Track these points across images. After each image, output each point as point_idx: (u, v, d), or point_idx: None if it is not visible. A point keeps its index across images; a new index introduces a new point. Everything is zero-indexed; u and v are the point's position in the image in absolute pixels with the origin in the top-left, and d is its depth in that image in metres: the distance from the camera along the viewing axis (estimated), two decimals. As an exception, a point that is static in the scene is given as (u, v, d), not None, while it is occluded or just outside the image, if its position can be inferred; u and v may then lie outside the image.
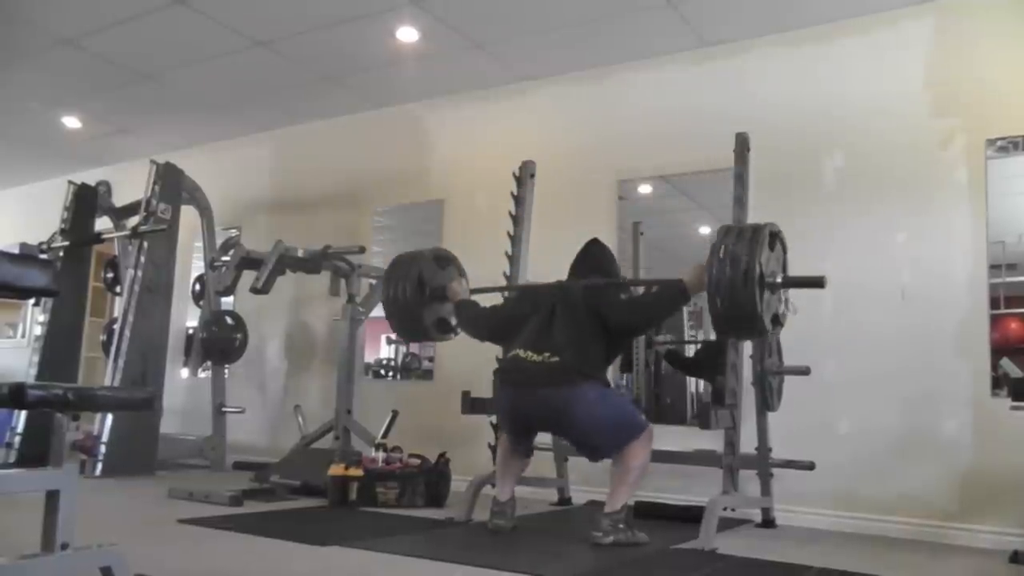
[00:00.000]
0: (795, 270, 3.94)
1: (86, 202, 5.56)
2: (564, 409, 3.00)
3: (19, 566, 1.71)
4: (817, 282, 2.86)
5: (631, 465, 3.02)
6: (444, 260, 3.74)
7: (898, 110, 3.85)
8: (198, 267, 6.09)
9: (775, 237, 2.87)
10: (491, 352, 3.72)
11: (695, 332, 4.57)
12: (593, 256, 3.45)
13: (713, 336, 4.13)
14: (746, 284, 2.68)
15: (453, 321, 3.69)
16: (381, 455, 4.07)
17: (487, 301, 3.63)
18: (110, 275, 6.04)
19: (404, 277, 3.58)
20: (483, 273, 3.85)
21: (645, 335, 4.37)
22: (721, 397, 3.31)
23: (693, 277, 2.97)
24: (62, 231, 5.43)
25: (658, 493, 3.86)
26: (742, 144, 3.53)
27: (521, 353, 3.10)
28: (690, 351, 4.66)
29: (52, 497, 1.76)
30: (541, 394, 3.02)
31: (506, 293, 3.79)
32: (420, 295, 3.57)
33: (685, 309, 4.45)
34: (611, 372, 3.59)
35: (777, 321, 2.87)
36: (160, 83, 5.30)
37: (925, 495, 3.52)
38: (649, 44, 4.47)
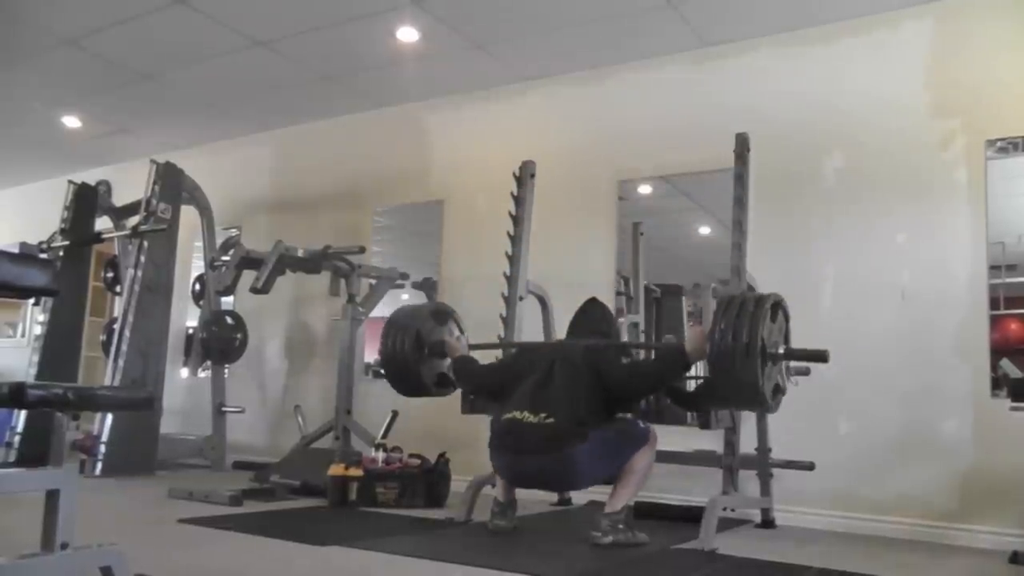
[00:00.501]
0: (794, 270, 3.96)
1: (86, 202, 5.55)
2: (566, 472, 3.01)
3: (19, 565, 1.72)
4: (820, 356, 2.84)
5: (635, 468, 3.02)
6: (442, 315, 3.78)
7: (898, 111, 3.85)
8: (198, 267, 6.09)
9: (777, 307, 2.87)
10: (490, 352, 3.73)
11: (692, 306, 4.55)
12: (592, 316, 3.47)
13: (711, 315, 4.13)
14: (748, 355, 2.67)
15: (452, 377, 3.69)
16: (381, 455, 4.07)
17: (486, 357, 3.66)
18: (110, 275, 6.04)
19: (402, 333, 3.61)
20: (483, 273, 3.86)
21: None
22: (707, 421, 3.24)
23: (695, 344, 2.96)
24: (62, 231, 5.43)
25: (658, 493, 3.86)
26: (742, 144, 3.53)
27: (517, 415, 3.04)
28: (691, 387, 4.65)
29: (52, 497, 1.76)
30: (540, 463, 2.98)
31: (503, 351, 3.76)
32: (419, 352, 3.60)
33: (685, 308, 4.45)
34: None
35: (778, 391, 2.85)
36: (160, 83, 5.30)
37: (925, 495, 3.52)
38: (649, 44, 4.47)
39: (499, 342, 3.73)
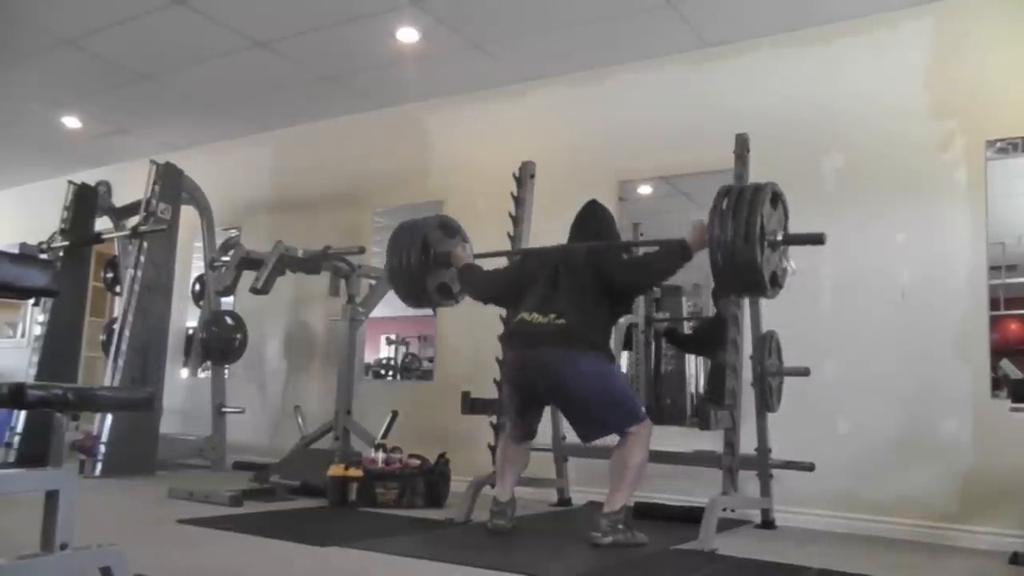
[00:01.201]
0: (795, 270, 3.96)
1: (86, 202, 5.56)
2: (567, 373, 3.03)
3: (18, 566, 1.71)
4: (817, 239, 2.87)
5: (629, 463, 3.02)
6: (450, 228, 3.74)
7: (898, 111, 3.85)
8: (198, 267, 6.09)
9: (777, 197, 2.88)
10: (492, 353, 3.73)
11: (694, 306, 4.56)
12: (593, 218, 3.46)
13: (711, 313, 4.14)
14: (747, 240, 2.69)
15: (455, 287, 3.68)
16: (381, 455, 4.07)
17: (491, 268, 3.65)
18: (110, 275, 6.04)
19: (408, 244, 3.58)
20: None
21: (645, 315, 4.36)
22: (722, 371, 3.30)
23: (695, 235, 2.99)
24: (62, 231, 5.43)
25: (658, 494, 3.86)
26: (742, 145, 3.53)
27: (527, 316, 3.14)
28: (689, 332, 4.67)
29: (52, 497, 1.76)
30: (546, 357, 3.05)
31: (509, 259, 3.77)
32: (424, 261, 3.56)
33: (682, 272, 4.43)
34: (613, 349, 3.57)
35: (776, 281, 2.87)
36: (160, 83, 5.30)
37: (925, 496, 3.52)
38: (649, 45, 4.47)
39: (503, 250, 3.70)
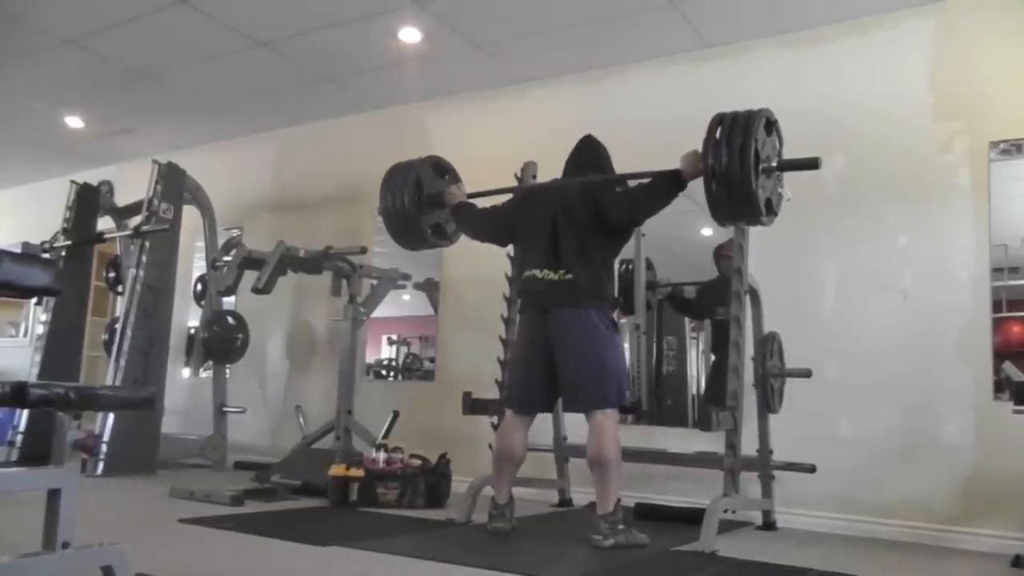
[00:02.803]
0: (796, 271, 3.96)
1: (88, 202, 5.56)
2: (571, 324, 3.09)
3: (20, 565, 1.72)
4: (812, 163, 2.84)
5: (605, 458, 3.00)
6: (441, 168, 3.70)
7: (900, 112, 3.85)
8: (200, 267, 6.09)
9: (772, 124, 2.86)
10: (493, 352, 3.73)
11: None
12: (587, 152, 3.44)
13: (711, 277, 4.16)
14: (742, 166, 2.68)
15: (450, 228, 3.65)
16: (382, 455, 4.07)
17: (485, 207, 3.61)
18: (112, 274, 6.04)
19: (401, 184, 3.54)
20: (485, 274, 3.85)
21: (648, 279, 4.36)
22: (725, 333, 3.29)
23: (689, 164, 2.97)
24: (64, 230, 5.44)
25: (659, 495, 3.86)
26: (744, 145, 3.52)
27: (538, 273, 3.17)
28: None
29: (53, 496, 1.76)
30: (556, 312, 3.12)
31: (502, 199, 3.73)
32: (418, 201, 3.53)
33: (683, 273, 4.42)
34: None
35: (771, 207, 2.85)
36: (162, 83, 5.30)
37: (926, 498, 3.52)
38: (651, 45, 4.47)
39: (497, 189, 3.66)
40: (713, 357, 4.37)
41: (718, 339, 3.39)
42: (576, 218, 3.19)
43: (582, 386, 3.10)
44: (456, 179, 3.70)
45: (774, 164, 2.83)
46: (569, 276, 3.10)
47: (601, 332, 3.10)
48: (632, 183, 3.24)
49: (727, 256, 3.65)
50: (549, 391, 3.25)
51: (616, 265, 3.45)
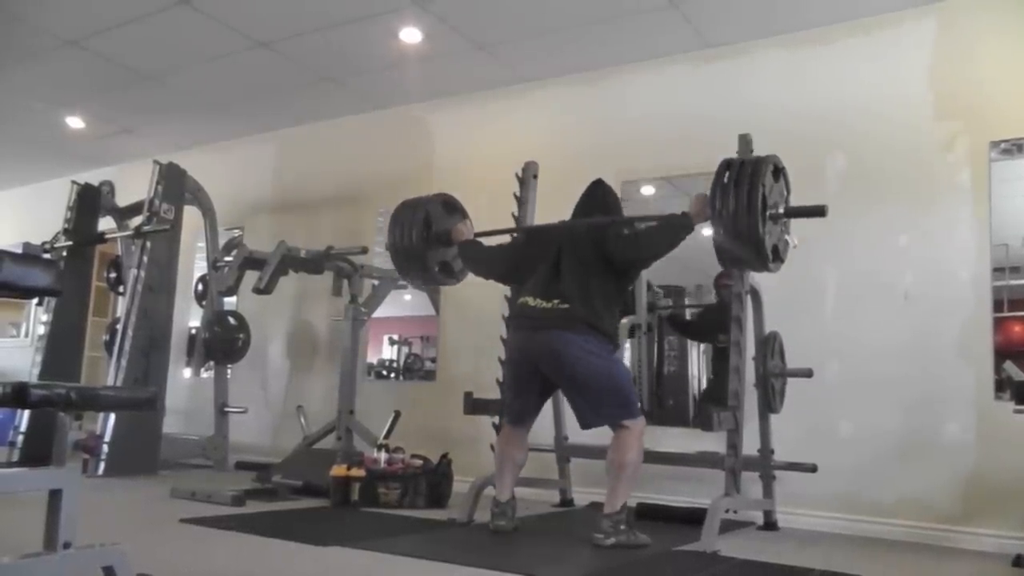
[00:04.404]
0: (796, 271, 3.94)
1: (89, 202, 5.56)
2: (566, 351, 3.03)
3: (21, 565, 1.72)
4: (819, 211, 2.85)
5: (624, 462, 3.01)
6: (451, 206, 3.71)
7: (901, 112, 3.85)
8: (201, 267, 6.09)
9: (779, 170, 2.87)
10: (494, 352, 3.72)
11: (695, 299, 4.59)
12: (597, 197, 3.44)
13: (712, 302, 4.15)
14: (749, 213, 2.68)
15: (457, 265, 3.66)
16: (383, 455, 4.07)
17: (492, 245, 3.63)
18: (113, 275, 6.05)
19: (410, 220, 3.55)
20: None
21: (649, 301, 4.36)
22: (726, 359, 3.28)
23: (697, 207, 2.97)
24: (65, 231, 5.44)
25: (660, 495, 3.86)
26: (745, 145, 3.52)
27: (531, 301, 3.13)
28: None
29: (55, 496, 1.77)
30: (548, 336, 3.05)
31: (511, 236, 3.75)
32: (425, 238, 3.54)
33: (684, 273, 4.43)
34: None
35: (778, 253, 2.86)
36: (163, 83, 5.31)
37: (928, 498, 3.51)
38: (651, 46, 4.47)
39: (506, 228, 3.68)
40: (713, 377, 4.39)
41: (719, 363, 3.40)
42: (581, 256, 3.17)
43: (598, 404, 3.06)
44: (465, 216, 3.72)
45: (781, 211, 2.85)
46: (564, 306, 3.05)
47: (600, 354, 3.06)
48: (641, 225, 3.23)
49: (727, 285, 3.66)
50: (541, 398, 3.31)
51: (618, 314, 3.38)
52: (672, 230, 3.08)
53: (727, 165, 2.83)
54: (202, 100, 5.60)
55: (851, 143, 3.95)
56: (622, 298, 3.38)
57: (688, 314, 4.69)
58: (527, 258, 3.36)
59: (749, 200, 2.69)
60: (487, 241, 3.61)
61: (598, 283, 3.12)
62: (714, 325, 3.65)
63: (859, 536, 3.54)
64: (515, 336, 3.26)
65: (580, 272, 3.13)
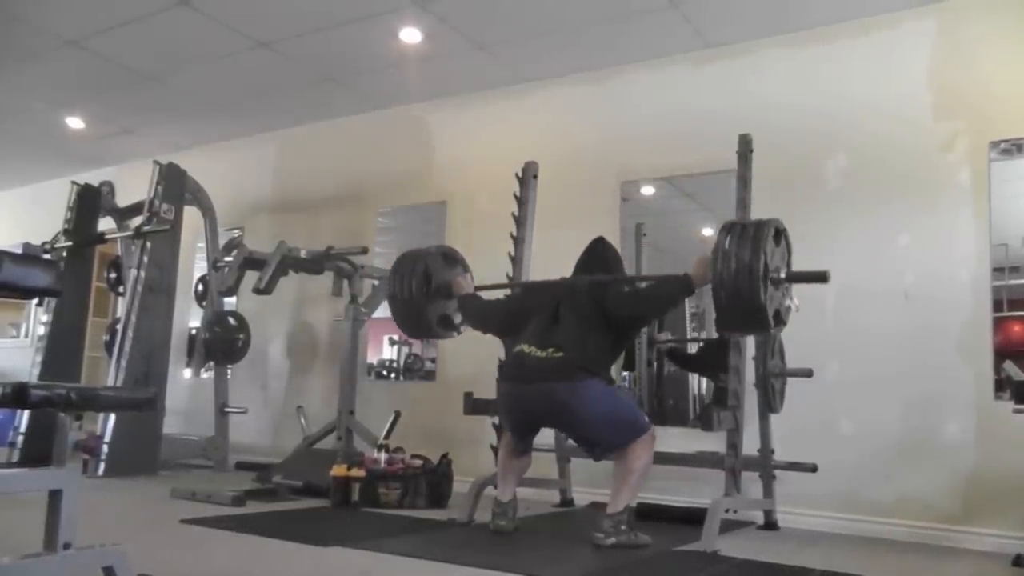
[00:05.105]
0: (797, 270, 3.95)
1: (89, 202, 5.56)
2: (566, 403, 2.99)
3: (21, 565, 1.72)
4: (821, 277, 2.86)
5: (633, 466, 3.02)
6: (451, 258, 3.74)
7: (901, 112, 3.85)
8: (201, 267, 6.09)
9: (780, 233, 2.87)
10: (494, 352, 3.72)
11: (697, 332, 4.56)
12: (598, 254, 3.45)
13: (715, 335, 4.13)
14: (751, 278, 2.68)
15: (457, 319, 3.67)
16: (383, 456, 4.07)
17: (492, 299, 3.64)
18: (113, 275, 6.05)
19: (410, 272, 3.56)
20: (486, 274, 3.85)
21: (648, 334, 4.36)
22: (724, 395, 3.31)
23: (698, 270, 2.97)
24: (65, 231, 5.44)
25: (660, 495, 3.86)
26: (745, 145, 3.53)
27: (525, 349, 3.09)
28: (692, 349, 4.66)
29: (55, 497, 1.77)
30: (543, 388, 3.00)
31: (511, 290, 3.78)
32: (425, 291, 3.55)
33: (688, 308, 4.45)
34: (614, 371, 3.58)
35: (780, 318, 2.86)
36: (163, 84, 5.31)
37: (928, 498, 3.51)
38: (651, 46, 4.47)
39: (505, 282, 3.69)
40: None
41: (720, 398, 3.41)
42: (581, 310, 3.14)
43: (608, 441, 3.04)
44: (465, 268, 3.74)
45: (783, 275, 2.84)
46: (559, 355, 3.00)
47: (599, 397, 3.00)
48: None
49: None
50: (540, 425, 3.31)
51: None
52: (672, 291, 3.09)
53: (728, 228, 2.81)
54: (202, 100, 5.60)
55: (851, 143, 3.95)
56: (618, 355, 3.34)
57: (689, 348, 4.68)
58: (525, 311, 3.32)
59: (750, 268, 2.68)
60: (487, 294, 3.62)
61: (596, 337, 3.08)
62: (714, 362, 3.66)
63: (859, 536, 3.54)
64: (507, 387, 3.17)
65: (578, 325, 3.10)
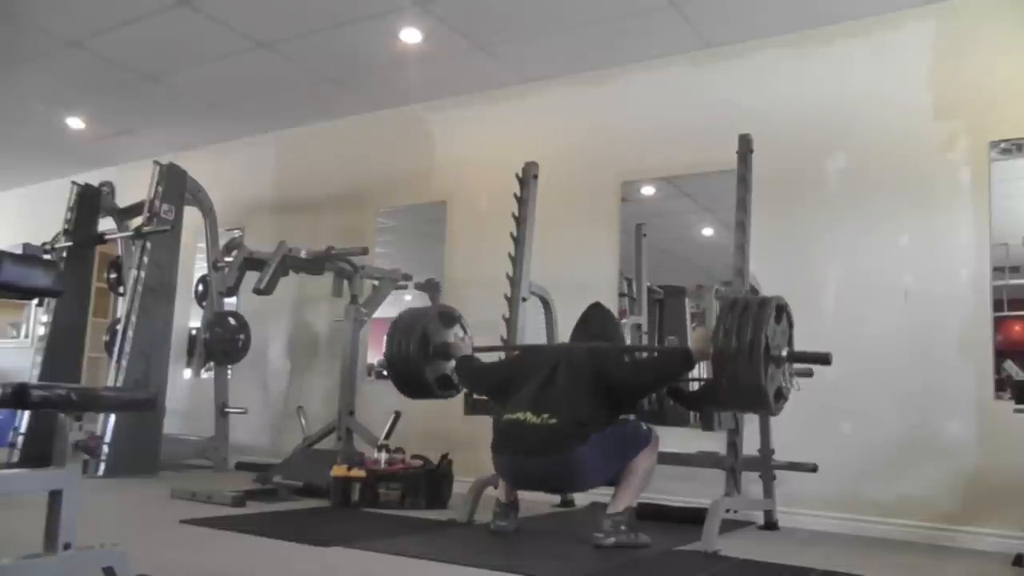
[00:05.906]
0: (797, 271, 3.96)
1: (89, 203, 5.56)
2: (563, 477, 3.02)
3: (22, 566, 1.72)
4: (823, 358, 2.83)
5: (637, 469, 3.03)
6: (448, 318, 3.75)
7: (901, 112, 3.85)
8: (201, 268, 6.09)
9: (782, 311, 2.85)
10: (492, 353, 3.72)
11: (696, 307, 4.56)
12: (596, 320, 3.46)
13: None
14: (751, 357, 2.65)
15: (455, 378, 3.66)
16: (384, 456, 4.07)
17: (490, 360, 3.63)
18: (113, 275, 6.05)
19: (408, 333, 3.58)
20: (486, 274, 3.86)
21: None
22: (710, 423, 3.23)
23: (699, 344, 2.95)
24: (65, 231, 5.44)
25: (660, 495, 3.85)
26: (745, 145, 3.53)
27: (520, 416, 3.01)
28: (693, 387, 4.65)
29: (55, 497, 1.77)
30: (541, 465, 2.95)
31: (507, 352, 3.75)
32: (423, 352, 3.56)
33: (688, 308, 4.45)
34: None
35: (780, 395, 2.83)
36: (164, 84, 5.31)
37: (928, 497, 3.51)
38: (652, 45, 4.47)
39: (503, 345, 3.72)
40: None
41: None
42: (579, 370, 3.10)
43: (618, 469, 3.05)
44: (463, 328, 3.75)
45: (784, 354, 2.82)
46: (553, 421, 2.92)
47: (602, 442, 2.95)
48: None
49: None
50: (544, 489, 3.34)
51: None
52: (673, 365, 3.08)
53: (730, 306, 2.78)
54: (202, 100, 5.61)
55: (851, 143, 3.95)
56: (615, 419, 3.21)
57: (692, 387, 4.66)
58: (522, 372, 3.27)
59: (751, 349, 2.65)
60: (485, 358, 3.61)
61: (592, 404, 3.01)
62: (715, 403, 3.65)
63: (859, 536, 3.54)
64: (503, 460, 3.10)
65: (575, 388, 3.05)
